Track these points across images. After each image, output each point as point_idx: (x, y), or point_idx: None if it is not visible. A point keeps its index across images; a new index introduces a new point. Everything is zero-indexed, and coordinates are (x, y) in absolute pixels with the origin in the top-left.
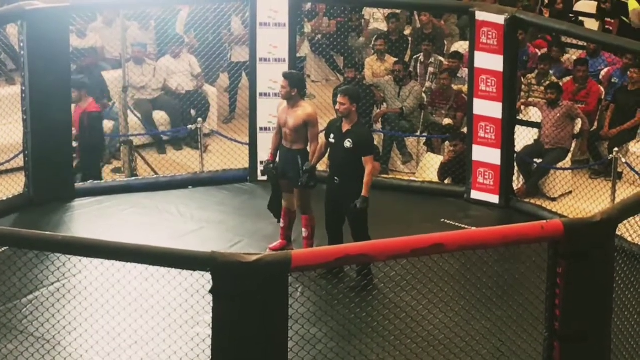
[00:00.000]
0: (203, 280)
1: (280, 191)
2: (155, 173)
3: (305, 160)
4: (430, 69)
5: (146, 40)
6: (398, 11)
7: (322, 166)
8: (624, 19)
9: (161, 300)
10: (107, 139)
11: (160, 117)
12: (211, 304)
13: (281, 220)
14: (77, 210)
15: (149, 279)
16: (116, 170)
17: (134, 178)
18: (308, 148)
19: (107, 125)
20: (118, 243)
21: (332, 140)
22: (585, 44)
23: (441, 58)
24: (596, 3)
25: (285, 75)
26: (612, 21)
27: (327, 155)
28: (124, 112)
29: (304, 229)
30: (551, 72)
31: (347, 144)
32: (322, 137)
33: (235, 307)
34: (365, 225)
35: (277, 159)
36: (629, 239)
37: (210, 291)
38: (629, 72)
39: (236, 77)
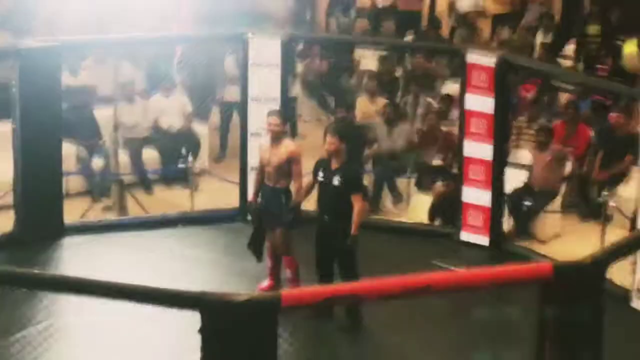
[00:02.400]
0: (192, 319)
1: (262, 231)
2: (146, 211)
3: (289, 198)
4: (420, 110)
5: (137, 78)
6: (389, 52)
7: (309, 205)
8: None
9: (149, 339)
10: (97, 178)
11: (150, 155)
12: (200, 344)
13: (269, 260)
14: (67, 248)
15: (138, 317)
16: (106, 209)
17: (124, 216)
18: (291, 186)
19: (98, 163)
20: (107, 281)
21: (320, 179)
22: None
23: (429, 99)
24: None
25: (275, 113)
26: (603, 66)
27: (314, 195)
28: (115, 151)
29: (287, 270)
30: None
31: (336, 181)
32: (307, 176)
33: (224, 347)
34: (355, 265)
35: (260, 199)
36: (618, 282)
37: (199, 331)
38: (613, 117)
39: (227, 116)
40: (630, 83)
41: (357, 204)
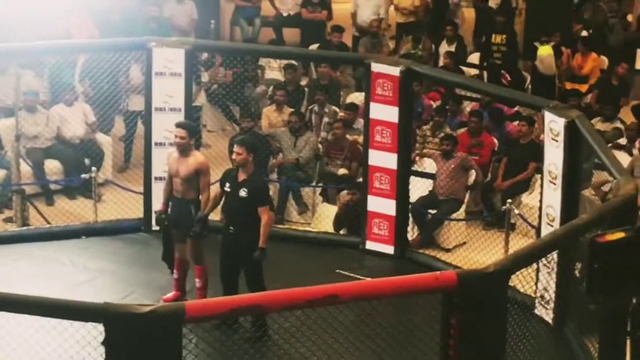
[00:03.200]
0: (95, 331)
1: (172, 242)
2: (48, 223)
3: (198, 209)
4: (325, 119)
5: (40, 88)
6: (295, 62)
7: (216, 215)
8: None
9: (52, 353)
10: None
11: (53, 166)
12: (104, 356)
13: (174, 271)
14: None
15: (40, 330)
16: (8, 220)
17: (25, 228)
18: (200, 197)
19: None
20: (8, 294)
21: (227, 189)
22: (480, 95)
23: (335, 108)
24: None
25: (182, 125)
26: (506, 74)
27: (221, 205)
28: (16, 161)
29: (197, 280)
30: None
31: (242, 193)
32: (215, 187)
33: (128, 359)
34: (261, 275)
35: (169, 210)
36: (522, 290)
37: (103, 343)
38: (512, 126)
39: (132, 125)
40: (545, 84)
41: (264, 216)
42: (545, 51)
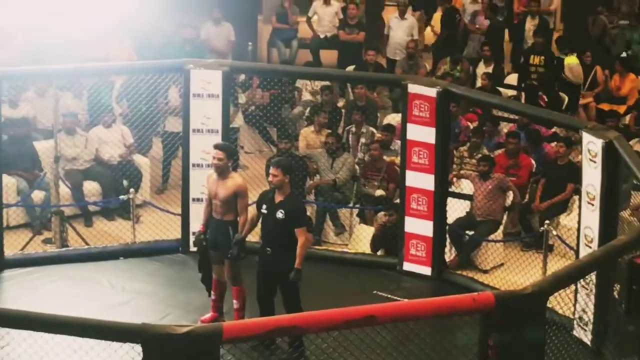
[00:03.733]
0: (133, 352)
1: (209, 263)
2: (87, 244)
3: (236, 231)
4: (362, 140)
5: (78, 110)
6: (331, 83)
7: (254, 237)
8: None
9: None
10: (38, 210)
11: (91, 187)
12: None
13: (212, 292)
14: (7, 281)
15: (78, 351)
16: (47, 241)
17: (64, 249)
18: (238, 219)
19: (38, 195)
20: (47, 315)
21: (264, 211)
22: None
23: (372, 129)
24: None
25: (221, 147)
26: (544, 95)
27: (258, 227)
28: (55, 183)
29: (235, 301)
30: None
31: (280, 214)
32: (252, 208)
33: None
34: (298, 296)
35: (208, 231)
36: (560, 311)
37: None
38: (550, 147)
39: (169, 147)
40: (573, 93)
41: (301, 238)
42: (572, 60)
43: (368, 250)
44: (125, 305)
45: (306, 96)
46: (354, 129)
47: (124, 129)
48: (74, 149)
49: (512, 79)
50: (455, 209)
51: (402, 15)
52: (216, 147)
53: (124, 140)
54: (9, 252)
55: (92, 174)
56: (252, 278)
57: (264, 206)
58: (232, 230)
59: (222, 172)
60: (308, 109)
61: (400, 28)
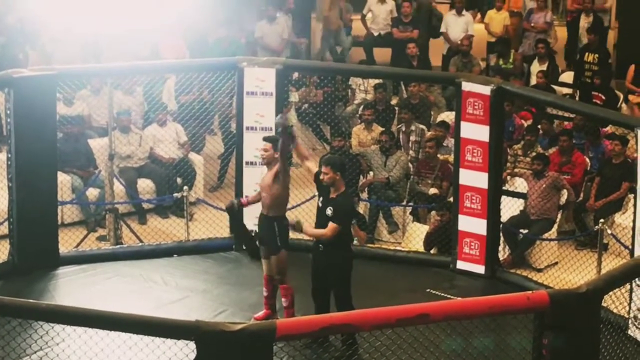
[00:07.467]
0: (187, 349)
1: (239, 226)
2: (140, 241)
3: (282, 227)
4: (412, 138)
5: (132, 107)
6: (385, 81)
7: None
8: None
9: None
10: (92, 207)
11: (145, 185)
12: None
13: (264, 289)
14: (62, 278)
15: (133, 347)
16: (101, 238)
17: (119, 246)
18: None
19: (93, 193)
20: (101, 311)
21: (320, 204)
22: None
23: (422, 126)
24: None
25: (267, 139)
26: (599, 94)
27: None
28: (110, 180)
29: (283, 299)
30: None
31: (329, 211)
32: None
33: None
34: (349, 294)
35: (257, 228)
36: (615, 310)
37: None
38: (612, 145)
39: (230, 144)
40: None
41: (327, 232)
42: None
43: (421, 249)
44: (178, 302)
45: (359, 94)
46: (403, 127)
47: (178, 126)
48: (129, 146)
49: (567, 76)
50: (509, 208)
51: (459, 12)
52: (264, 139)
53: (178, 138)
54: (64, 249)
55: (146, 172)
56: (307, 275)
57: (321, 199)
58: (278, 227)
59: (269, 164)
60: (361, 106)
61: (456, 24)
